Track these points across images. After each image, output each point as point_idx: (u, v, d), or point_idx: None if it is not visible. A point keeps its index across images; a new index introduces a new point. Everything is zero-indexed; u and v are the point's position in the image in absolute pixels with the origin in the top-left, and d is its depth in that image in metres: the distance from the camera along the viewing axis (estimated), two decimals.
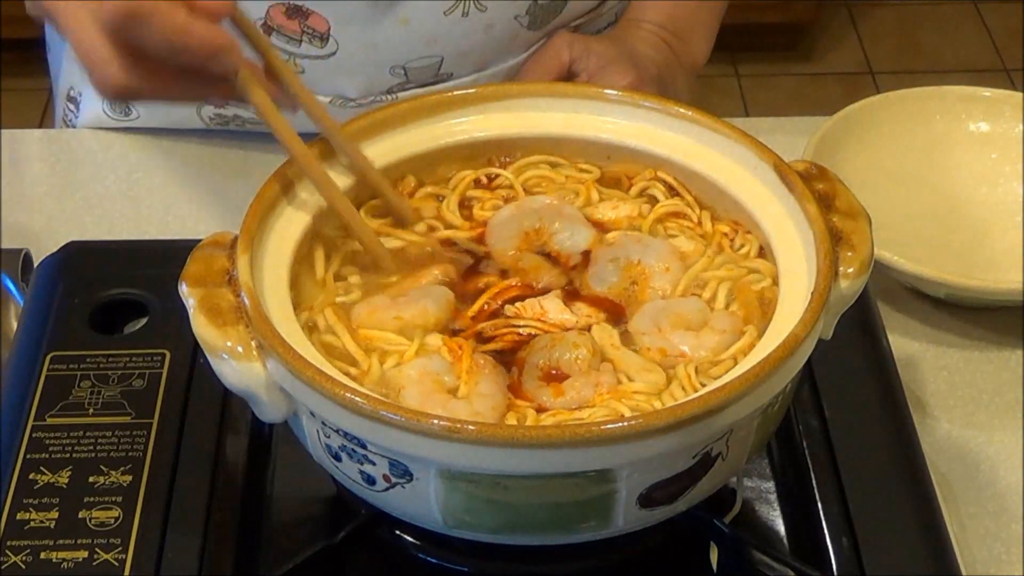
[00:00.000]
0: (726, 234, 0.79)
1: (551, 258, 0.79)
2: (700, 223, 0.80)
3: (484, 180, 0.83)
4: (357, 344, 0.73)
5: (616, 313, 0.75)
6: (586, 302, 0.76)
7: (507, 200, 0.82)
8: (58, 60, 1.20)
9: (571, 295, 0.76)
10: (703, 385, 0.70)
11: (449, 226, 0.80)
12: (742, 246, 0.78)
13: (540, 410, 0.70)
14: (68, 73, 1.17)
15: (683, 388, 0.70)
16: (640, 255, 0.78)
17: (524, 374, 0.72)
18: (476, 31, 1.05)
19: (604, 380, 0.71)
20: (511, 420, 0.70)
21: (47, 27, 1.24)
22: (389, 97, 1.08)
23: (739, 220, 0.79)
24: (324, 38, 1.03)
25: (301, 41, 1.04)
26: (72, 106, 1.17)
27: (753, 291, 0.75)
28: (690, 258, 0.78)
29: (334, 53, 1.04)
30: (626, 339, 0.74)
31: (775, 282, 0.75)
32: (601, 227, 0.80)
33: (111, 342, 0.85)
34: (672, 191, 0.82)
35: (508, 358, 0.73)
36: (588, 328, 0.74)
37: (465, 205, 0.82)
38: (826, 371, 0.83)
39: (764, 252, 0.78)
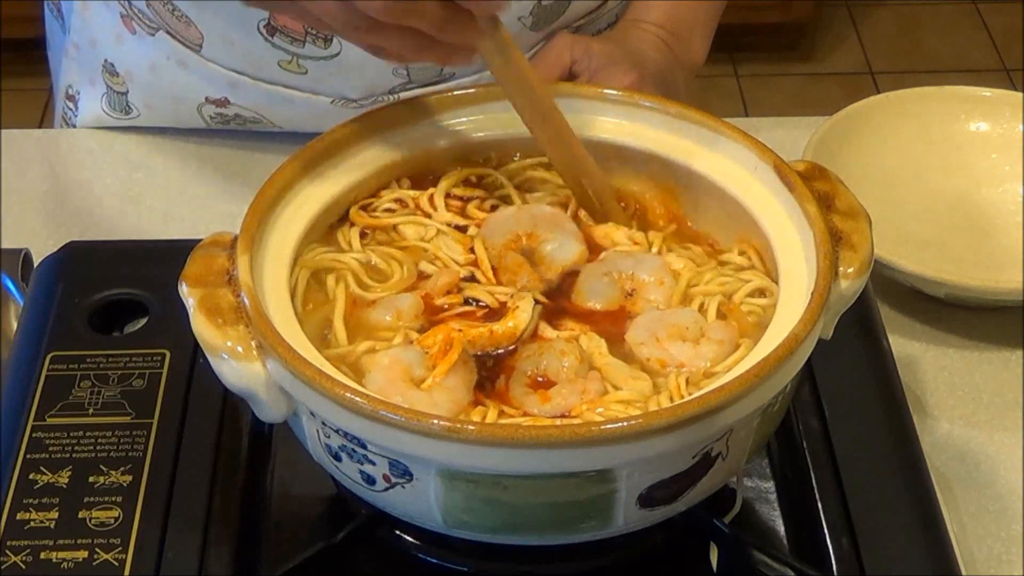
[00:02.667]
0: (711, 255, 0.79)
1: (534, 264, 0.78)
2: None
3: (474, 180, 0.83)
4: (347, 327, 0.73)
5: (607, 326, 0.75)
6: (573, 318, 0.76)
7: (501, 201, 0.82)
8: (58, 58, 1.20)
9: (557, 312, 0.76)
10: (691, 395, 0.70)
11: (426, 214, 0.80)
12: (743, 253, 0.78)
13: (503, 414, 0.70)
14: (67, 71, 1.17)
15: (671, 399, 0.70)
16: (633, 269, 0.77)
17: (512, 380, 0.72)
18: None
19: (591, 388, 0.71)
20: (476, 418, 0.70)
21: (47, 25, 1.24)
22: (391, 97, 1.08)
23: (736, 218, 0.79)
24: (328, 39, 1.03)
25: (304, 42, 1.04)
26: (71, 104, 1.17)
27: (745, 312, 0.75)
28: (682, 274, 0.77)
29: (337, 54, 1.04)
30: (623, 350, 0.74)
31: (769, 294, 0.75)
32: (599, 246, 0.80)
33: (111, 342, 0.85)
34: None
35: (498, 365, 0.73)
36: (576, 338, 0.74)
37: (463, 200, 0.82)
38: (826, 371, 0.83)
39: (763, 248, 0.78)
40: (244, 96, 1.09)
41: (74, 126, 1.18)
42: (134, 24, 1.09)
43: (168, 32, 1.08)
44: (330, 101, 1.07)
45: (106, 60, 1.12)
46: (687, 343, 0.73)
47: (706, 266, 0.78)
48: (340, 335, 0.73)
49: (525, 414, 0.70)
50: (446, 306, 0.75)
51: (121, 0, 1.09)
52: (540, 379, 0.72)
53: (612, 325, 0.75)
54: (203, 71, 1.08)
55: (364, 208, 0.80)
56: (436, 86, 1.07)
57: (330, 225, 0.79)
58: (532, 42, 1.09)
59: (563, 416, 0.70)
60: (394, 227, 0.79)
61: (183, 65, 1.09)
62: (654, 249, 0.80)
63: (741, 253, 0.78)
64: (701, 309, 0.75)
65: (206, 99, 1.10)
